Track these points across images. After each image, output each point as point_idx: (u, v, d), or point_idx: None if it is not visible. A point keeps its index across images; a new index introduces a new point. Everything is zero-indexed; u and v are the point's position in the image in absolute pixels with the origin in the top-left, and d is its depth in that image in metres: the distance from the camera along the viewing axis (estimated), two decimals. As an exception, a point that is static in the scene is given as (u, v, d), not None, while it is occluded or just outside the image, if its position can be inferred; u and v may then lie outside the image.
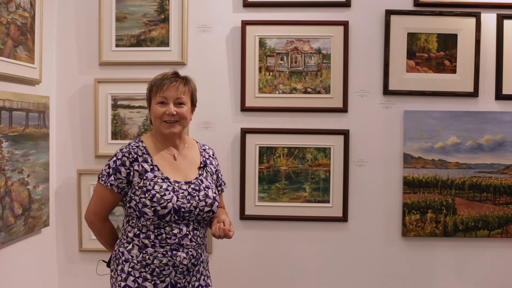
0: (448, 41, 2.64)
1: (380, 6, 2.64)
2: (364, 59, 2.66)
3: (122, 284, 1.81)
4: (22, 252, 2.36)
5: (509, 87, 2.64)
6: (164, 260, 1.79)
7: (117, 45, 2.67)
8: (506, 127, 2.63)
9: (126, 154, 1.83)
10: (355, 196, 2.68)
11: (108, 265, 1.95)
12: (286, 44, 2.66)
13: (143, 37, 2.67)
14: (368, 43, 2.66)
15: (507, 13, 2.62)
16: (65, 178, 2.71)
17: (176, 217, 1.79)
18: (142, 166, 1.82)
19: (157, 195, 1.78)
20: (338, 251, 2.70)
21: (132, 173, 1.81)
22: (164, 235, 1.79)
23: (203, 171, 1.94)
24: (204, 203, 1.84)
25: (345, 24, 2.63)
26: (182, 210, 1.79)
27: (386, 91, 2.65)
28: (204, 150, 2.02)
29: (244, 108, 2.67)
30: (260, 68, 2.66)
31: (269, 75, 2.67)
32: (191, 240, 1.83)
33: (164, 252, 1.79)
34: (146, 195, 1.78)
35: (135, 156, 1.83)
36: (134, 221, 1.83)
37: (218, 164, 2.06)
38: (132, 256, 1.81)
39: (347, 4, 2.65)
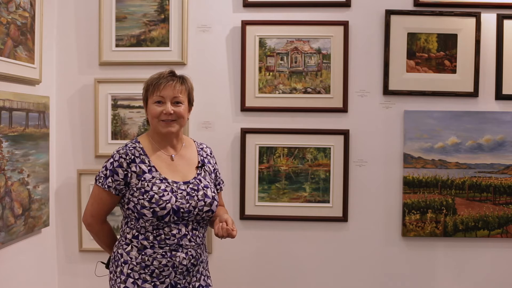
0: (448, 41, 2.64)
1: (380, 6, 2.64)
2: (364, 59, 2.66)
3: (122, 286, 1.80)
4: (22, 252, 2.36)
5: (509, 87, 2.63)
6: (164, 261, 1.78)
7: (117, 45, 2.67)
8: (506, 127, 2.63)
9: (123, 156, 1.81)
10: (355, 196, 2.68)
11: (107, 266, 1.94)
12: (286, 44, 2.66)
13: (143, 37, 2.67)
14: (368, 43, 2.66)
15: (507, 13, 2.62)
16: (65, 178, 2.71)
17: (175, 218, 1.78)
18: (140, 167, 1.81)
19: (156, 196, 1.76)
20: (338, 251, 2.70)
21: (129, 175, 1.80)
22: (163, 235, 1.78)
23: (201, 170, 1.93)
24: (203, 203, 1.83)
25: (345, 24, 2.63)
26: (181, 210, 1.78)
27: (386, 91, 2.65)
28: (202, 149, 2.01)
29: (244, 108, 2.67)
30: (260, 68, 2.66)
31: (269, 75, 2.67)
32: (190, 240, 1.82)
33: (163, 253, 1.78)
34: (145, 196, 1.77)
35: (133, 157, 1.82)
36: (132, 222, 1.82)
37: (216, 163, 2.05)
38: (131, 258, 1.80)
39: (347, 4, 2.65)
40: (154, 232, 1.79)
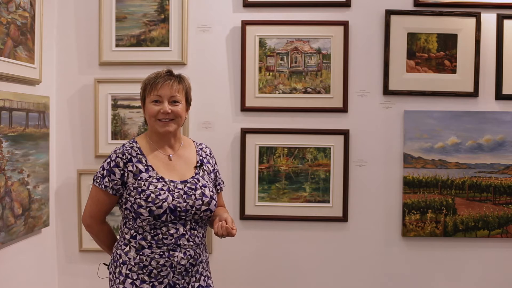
0: (448, 41, 2.64)
1: (380, 6, 2.64)
2: (364, 59, 2.66)
3: (120, 286, 1.79)
4: (22, 252, 2.36)
5: (509, 87, 2.63)
6: (161, 261, 1.78)
7: (117, 45, 2.68)
8: (506, 127, 2.63)
9: (120, 155, 1.81)
10: (355, 196, 2.68)
11: (109, 268, 1.94)
12: (286, 44, 2.66)
13: (143, 37, 2.68)
14: (368, 43, 2.66)
15: (507, 13, 2.62)
16: (65, 178, 2.71)
17: (173, 217, 1.77)
18: (137, 167, 1.81)
19: (152, 195, 1.76)
20: (338, 251, 2.70)
21: (126, 174, 1.80)
22: (160, 235, 1.78)
23: (199, 170, 1.92)
24: (200, 202, 1.83)
25: (345, 24, 2.63)
26: (178, 209, 1.78)
27: (386, 91, 2.65)
28: (201, 149, 2.00)
29: (244, 108, 2.67)
30: (260, 68, 2.66)
31: (269, 75, 2.67)
32: (188, 240, 1.81)
33: (161, 253, 1.78)
34: (141, 195, 1.76)
35: (129, 157, 1.82)
36: (130, 222, 1.82)
37: (216, 163, 2.04)
38: (129, 258, 1.80)
39: (347, 4, 2.65)
40: (152, 232, 1.78)
